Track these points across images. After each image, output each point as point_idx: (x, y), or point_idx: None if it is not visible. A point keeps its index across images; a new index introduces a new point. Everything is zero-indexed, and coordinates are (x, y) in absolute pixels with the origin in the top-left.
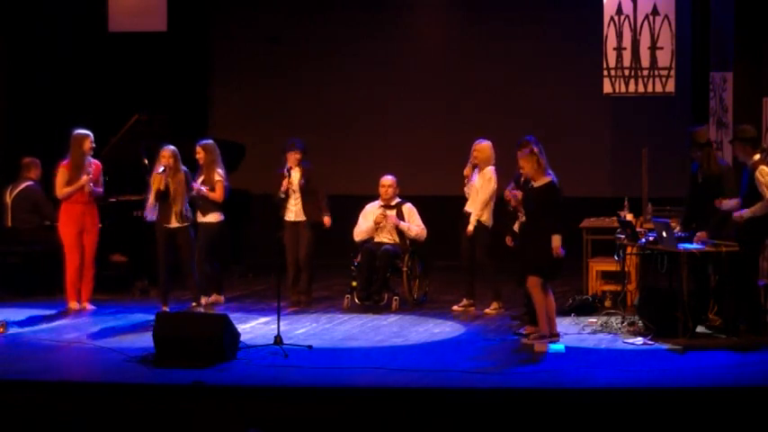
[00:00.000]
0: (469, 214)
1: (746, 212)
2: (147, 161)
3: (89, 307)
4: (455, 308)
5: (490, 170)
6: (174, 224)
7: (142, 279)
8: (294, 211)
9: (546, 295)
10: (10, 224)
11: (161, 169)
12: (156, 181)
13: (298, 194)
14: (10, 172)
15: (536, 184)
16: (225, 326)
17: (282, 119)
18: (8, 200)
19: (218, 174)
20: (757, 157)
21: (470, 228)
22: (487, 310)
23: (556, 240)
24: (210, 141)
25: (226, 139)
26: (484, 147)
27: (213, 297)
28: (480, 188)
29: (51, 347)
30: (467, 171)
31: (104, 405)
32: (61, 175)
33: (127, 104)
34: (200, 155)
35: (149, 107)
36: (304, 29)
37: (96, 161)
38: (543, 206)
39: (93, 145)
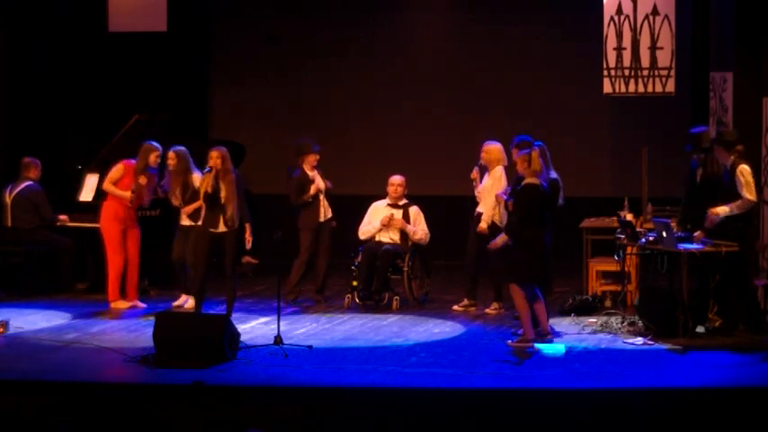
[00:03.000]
0: (481, 215)
1: (721, 210)
2: None
3: (140, 304)
4: (455, 307)
5: (500, 170)
6: (222, 229)
7: (142, 279)
8: (323, 211)
9: (529, 298)
10: (10, 224)
11: (206, 170)
12: (204, 183)
13: (323, 194)
14: (10, 172)
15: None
16: (225, 326)
17: (282, 119)
18: (8, 200)
19: (198, 179)
20: (732, 158)
21: (483, 225)
22: (488, 310)
23: (501, 238)
24: (183, 148)
25: (226, 139)
26: (492, 148)
27: (191, 300)
28: (491, 188)
29: (51, 347)
30: (474, 174)
31: (104, 405)
32: (119, 171)
33: (127, 104)
34: (172, 161)
35: (149, 107)
36: (304, 29)
37: (152, 173)
38: (519, 206)
39: (159, 159)
